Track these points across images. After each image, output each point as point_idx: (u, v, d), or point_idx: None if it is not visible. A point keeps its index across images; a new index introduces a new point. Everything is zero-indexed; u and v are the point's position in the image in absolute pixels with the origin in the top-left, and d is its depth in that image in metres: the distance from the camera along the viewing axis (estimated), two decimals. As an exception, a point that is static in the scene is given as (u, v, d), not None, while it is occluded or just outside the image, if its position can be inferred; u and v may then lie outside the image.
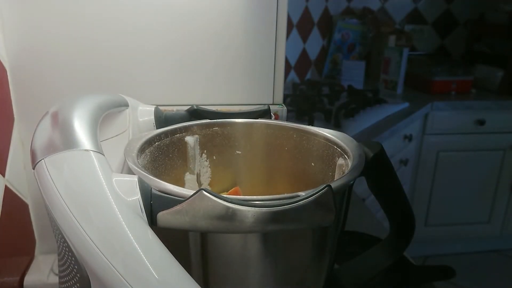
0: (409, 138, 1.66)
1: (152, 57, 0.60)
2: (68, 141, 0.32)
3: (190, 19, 0.59)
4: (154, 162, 0.45)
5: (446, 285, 1.91)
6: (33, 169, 0.32)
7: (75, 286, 0.32)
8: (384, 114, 1.57)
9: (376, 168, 0.42)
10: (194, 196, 0.30)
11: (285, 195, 0.32)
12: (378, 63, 1.99)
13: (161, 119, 0.51)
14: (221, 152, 0.52)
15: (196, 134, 0.50)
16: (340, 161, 0.44)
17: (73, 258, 0.30)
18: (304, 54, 2.01)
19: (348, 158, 0.42)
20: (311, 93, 1.74)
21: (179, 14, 0.59)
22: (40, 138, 0.34)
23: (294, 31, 1.89)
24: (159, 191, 0.32)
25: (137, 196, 0.31)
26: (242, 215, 0.30)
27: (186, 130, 0.49)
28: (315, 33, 2.05)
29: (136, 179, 0.32)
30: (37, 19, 0.55)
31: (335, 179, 0.41)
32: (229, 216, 0.30)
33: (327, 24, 2.10)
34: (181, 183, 0.50)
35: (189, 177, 0.50)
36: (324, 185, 0.31)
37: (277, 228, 0.31)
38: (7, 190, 0.54)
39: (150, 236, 0.30)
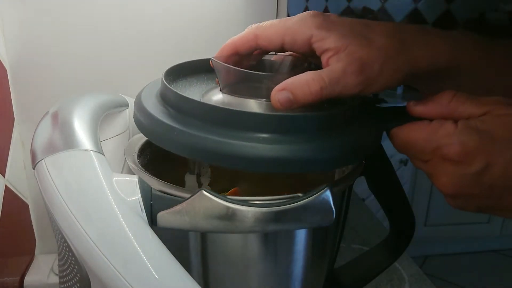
0: (409, 138, 1.66)
1: (152, 57, 0.60)
2: (68, 141, 0.32)
3: (190, 19, 0.59)
4: (154, 162, 0.45)
5: (446, 285, 1.91)
6: (33, 169, 0.32)
7: (75, 286, 0.32)
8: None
9: (376, 168, 0.42)
10: (194, 196, 0.30)
11: (285, 195, 0.32)
12: (378, 63, 1.98)
13: (161, 119, 0.50)
14: (221, 152, 0.51)
15: (196, 134, 0.50)
16: (340, 161, 0.44)
17: (73, 258, 0.30)
18: (304, 54, 2.01)
19: (348, 158, 0.42)
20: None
21: (179, 15, 0.59)
22: (40, 138, 0.34)
23: (294, 31, 1.89)
24: (159, 191, 0.32)
25: (137, 196, 0.31)
26: (242, 215, 0.30)
27: (186, 130, 0.49)
28: (315, 33, 2.05)
29: (136, 179, 0.32)
30: (37, 19, 0.55)
31: (335, 179, 0.41)
32: (229, 216, 0.30)
33: (327, 24, 2.10)
34: (181, 183, 0.50)
35: (189, 177, 0.50)
36: (324, 185, 0.31)
37: (277, 228, 0.31)
38: (7, 190, 0.54)
39: (150, 236, 0.30)
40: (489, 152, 0.32)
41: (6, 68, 0.55)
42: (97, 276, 0.28)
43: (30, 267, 0.59)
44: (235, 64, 0.38)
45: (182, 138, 0.32)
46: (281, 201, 0.31)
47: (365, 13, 2.12)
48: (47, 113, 0.37)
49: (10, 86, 0.56)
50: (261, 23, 0.37)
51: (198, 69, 0.43)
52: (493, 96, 0.34)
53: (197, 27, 0.60)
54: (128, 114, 0.48)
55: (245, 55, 0.39)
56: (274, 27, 0.36)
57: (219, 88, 0.38)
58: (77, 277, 0.31)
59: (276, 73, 0.40)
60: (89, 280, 0.30)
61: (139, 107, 0.36)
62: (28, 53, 0.56)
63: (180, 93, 0.34)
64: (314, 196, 0.31)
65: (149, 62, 0.60)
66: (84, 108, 0.37)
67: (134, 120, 0.37)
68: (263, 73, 0.37)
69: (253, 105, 0.36)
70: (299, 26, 0.35)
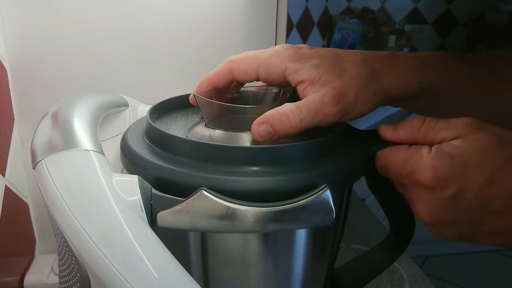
0: (409, 138, 1.66)
1: (152, 57, 0.60)
2: (68, 141, 0.32)
3: (190, 19, 0.59)
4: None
5: (446, 285, 1.91)
6: (33, 169, 0.32)
7: (75, 286, 0.32)
8: (384, 114, 1.57)
9: (376, 168, 0.42)
10: (194, 196, 0.30)
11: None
12: (378, 63, 1.98)
13: (161, 119, 0.50)
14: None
15: (196, 134, 0.50)
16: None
17: (73, 258, 0.30)
18: (304, 54, 2.00)
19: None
20: (311, 93, 1.73)
21: (179, 15, 0.59)
22: (40, 138, 0.34)
23: (294, 31, 1.89)
24: (159, 191, 0.32)
25: (137, 196, 0.31)
26: (242, 215, 0.30)
27: (186, 130, 0.49)
28: (315, 33, 2.05)
29: (136, 179, 0.32)
30: (37, 19, 0.55)
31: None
32: (229, 216, 0.30)
33: (327, 24, 2.10)
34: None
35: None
36: (324, 185, 0.31)
37: (277, 228, 0.31)
38: (7, 190, 0.54)
39: (150, 236, 0.30)
40: (462, 177, 0.32)
41: (6, 68, 0.55)
42: (97, 276, 0.28)
43: (30, 267, 0.59)
44: (215, 96, 0.39)
45: (170, 176, 0.32)
46: (281, 201, 0.31)
47: (365, 13, 2.12)
48: (47, 113, 0.37)
49: (10, 86, 0.56)
50: (235, 57, 0.38)
51: (183, 104, 0.44)
52: (471, 116, 0.34)
53: (196, 27, 0.60)
54: (128, 114, 0.48)
55: (224, 88, 0.40)
56: (248, 60, 0.37)
57: (204, 123, 0.39)
58: (77, 277, 0.31)
59: (258, 105, 0.40)
60: (89, 280, 0.30)
61: (125, 146, 0.36)
62: (28, 53, 0.56)
63: (165, 130, 0.35)
64: (314, 196, 0.31)
65: (149, 62, 0.60)
66: (84, 108, 0.37)
67: (121, 160, 0.37)
68: (246, 105, 0.37)
69: (239, 138, 0.36)
70: (273, 59, 0.36)
